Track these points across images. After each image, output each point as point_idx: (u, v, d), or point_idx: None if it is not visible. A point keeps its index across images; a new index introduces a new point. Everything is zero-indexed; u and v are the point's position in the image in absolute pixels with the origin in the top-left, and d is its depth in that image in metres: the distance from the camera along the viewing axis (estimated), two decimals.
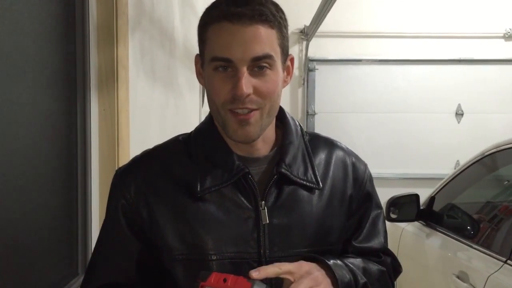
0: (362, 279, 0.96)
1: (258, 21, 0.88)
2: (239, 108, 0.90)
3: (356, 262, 1.00)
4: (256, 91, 0.90)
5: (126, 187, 0.98)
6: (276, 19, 0.91)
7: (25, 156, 1.33)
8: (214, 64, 0.90)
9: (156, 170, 0.98)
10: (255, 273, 0.83)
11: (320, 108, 5.20)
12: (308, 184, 0.99)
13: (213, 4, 0.93)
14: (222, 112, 0.92)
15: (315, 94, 5.20)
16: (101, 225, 1.05)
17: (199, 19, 0.95)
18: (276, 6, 0.94)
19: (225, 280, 0.83)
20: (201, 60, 0.96)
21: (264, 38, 0.89)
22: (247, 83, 0.88)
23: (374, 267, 1.04)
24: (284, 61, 0.95)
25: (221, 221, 0.94)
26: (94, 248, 1.04)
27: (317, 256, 0.94)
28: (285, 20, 0.94)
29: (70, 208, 1.60)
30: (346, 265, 0.96)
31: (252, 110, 0.91)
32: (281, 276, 0.87)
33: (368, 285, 0.98)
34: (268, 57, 0.89)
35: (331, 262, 0.93)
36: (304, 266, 0.89)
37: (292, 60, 0.99)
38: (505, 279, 1.69)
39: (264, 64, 0.90)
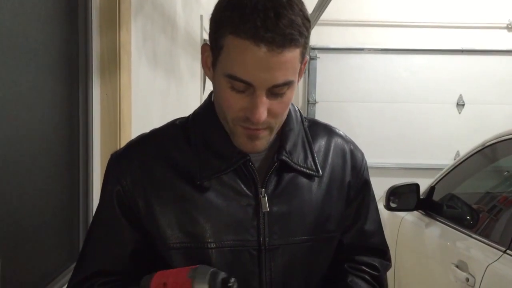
0: None
1: (286, 47, 0.81)
2: (250, 127, 0.88)
3: None
4: (270, 112, 0.86)
5: (122, 172, 0.95)
6: (303, 35, 0.83)
7: (27, 141, 1.33)
8: (230, 81, 0.84)
9: (153, 155, 0.95)
10: None
11: (321, 97, 5.19)
12: (308, 171, 0.98)
13: (237, 8, 0.81)
14: (231, 124, 0.90)
15: (316, 83, 5.18)
16: None
17: (215, 9, 0.87)
18: (303, 14, 0.84)
19: (165, 284, 0.82)
20: (212, 57, 0.89)
21: (288, 65, 0.83)
22: (264, 110, 0.84)
23: None
24: (300, 69, 0.90)
25: (220, 208, 0.92)
26: (87, 235, 1.01)
27: None
28: (309, 27, 0.86)
29: (71, 193, 1.60)
30: None
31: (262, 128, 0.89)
32: None
33: None
34: (289, 83, 0.85)
35: None
36: None
37: (305, 63, 0.92)
38: (505, 268, 1.70)
39: (283, 91, 0.86)
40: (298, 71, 0.88)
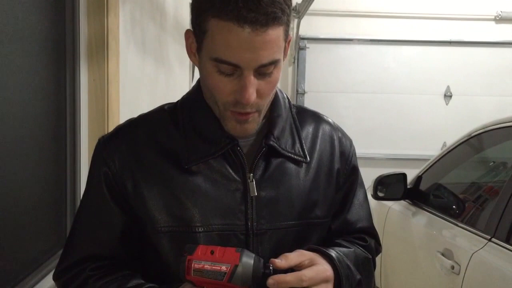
0: (357, 276, 0.98)
1: (270, 26, 0.81)
2: (240, 111, 0.88)
3: (350, 254, 1.00)
4: (258, 93, 0.87)
5: (109, 155, 0.94)
6: (285, 12, 0.84)
7: (13, 126, 1.31)
8: (217, 65, 0.84)
9: (142, 139, 0.95)
10: (280, 262, 0.84)
11: (310, 87, 5.19)
12: (295, 157, 0.98)
13: None
14: (222, 108, 0.90)
15: (305, 73, 5.18)
16: None
17: None
18: None
19: (212, 252, 0.83)
20: (196, 43, 0.89)
21: (273, 43, 0.83)
22: (253, 90, 0.85)
23: (361, 255, 1.04)
24: (285, 48, 0.91)
25: (208, 193, 0.92)
26: (74, 219, 1.00)
27: (320, 249, 0.94)
28: (290, 4, 0.88)
29: (59, 179, 1.59)
30: (343, 260, 0.96)
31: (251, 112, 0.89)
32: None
33: (362, 282, 0.99)
34: (275, 62, 0.86)
35: (335, 257, 0.94)
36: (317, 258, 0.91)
37: (289, 42, 0.94)
38: (489, 256, 1.72)
39: (270, 70, 0.86)
40: (283, 50, 0.88)
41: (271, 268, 0.84)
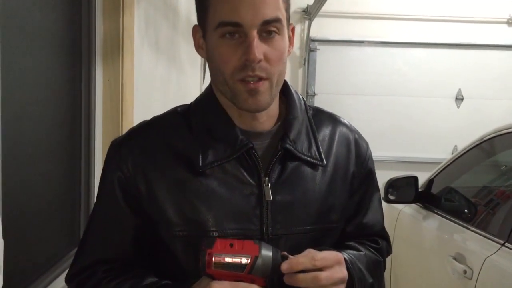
0: (369, 279, 0.97)
1: None
2: (249, 76, 0.87)
3: (361, 257, 0.99)
4: (266, 57, 0.87)
5: (122, 159, 0.93)
6: None
7: (29, 126, 1.32)
8: (220, 30, 0.86)
9: (155, 142, 0.94)
10: (285, 266, 0.83)
11: (320, 89, 5.17)
12: (312, 160, 0.97)
13: None
14: (231, 82, 0.88)
15: (315, 75, 5.16)
16: None
17: None
18: None
19: (231, 245, 0.83)
20: (202, 31, 0.92)
21: (272, 2, 0.86)
22: (259, 48, 0.85)
23: (372, 258, 1.04)
24: (288, 28, 0.93)
25: (223, 197, 0.91)
26: (88, 222, 1.00)
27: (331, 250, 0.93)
28: None
29: (73, 179, 1.59)
30: (355, 262, 0.96)
31: (261, 78, 0.88)
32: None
33: (374, 285, 0.98)
34: (277, 20, 0.87)
35: (348, 259, 0.93)
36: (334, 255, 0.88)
37: (293, 30, 0.96)
38: (503, 261, 1.71)
39: (273, 29, 0.87)
40: (284, 15, 0.90)
41: (289, 258, 0.84)
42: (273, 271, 0.83)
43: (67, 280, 0.98)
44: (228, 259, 0.82)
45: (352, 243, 1.04)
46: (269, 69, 0.88)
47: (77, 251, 0.99)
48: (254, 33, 0.85)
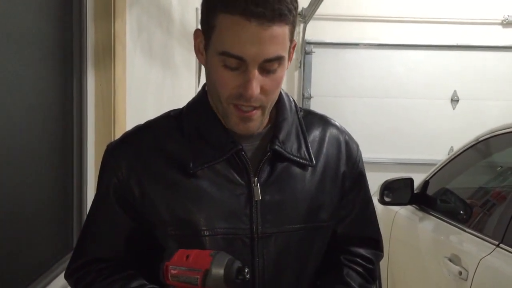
0: None
1: (276, 22, 0.84)
2: (243, 105, 0.89)
3: None
4: (262, 89, 0.88)
5: (117, 164, 0.97)
6: (291, 13, 0.87)
7: (20, 131, 1.32)
8: (223, 59, 0.87)
9: (148, 146, 0.97)
10: None
11: (316, 91, 5.19)
12: (301, 161, 0.99)
13: None
14: (225, 104, 0.91)
15: (311, 78, 5.18)
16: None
17: None
18: None
19: (187, 257, 0.84)
20: (204, 41, 0.92)
21: (279, 39, 0.86)
22: (257, 85, 0.87)
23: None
24: (290, 50, 0.93)
25: (213, 197, 0.94)
26: (84, 225, 1.04)
27: None
28: (297, 7, 0.91)
29: (65, 183, 1.59)
30: None
31: (255, 108, 0.90)
32: None
33: None
34: (279, 58, 0.88)
35: None
36: None
37: (294, 46, 0.96)
38: (498, 262, 1.71)
39: (275, 67, 0.88)
40: (288, 49, 0.90)
41: (246, 271, 0.84)
42: (228, 284, 0.83)
43: (66, 276, 1.02)
44: (182, 272, 0.84)
45: (344, 274, 1.04)
46: (264, 100, 0.91)
47: (74, 249, 1.04)
48: (255, 70, 0.86)
